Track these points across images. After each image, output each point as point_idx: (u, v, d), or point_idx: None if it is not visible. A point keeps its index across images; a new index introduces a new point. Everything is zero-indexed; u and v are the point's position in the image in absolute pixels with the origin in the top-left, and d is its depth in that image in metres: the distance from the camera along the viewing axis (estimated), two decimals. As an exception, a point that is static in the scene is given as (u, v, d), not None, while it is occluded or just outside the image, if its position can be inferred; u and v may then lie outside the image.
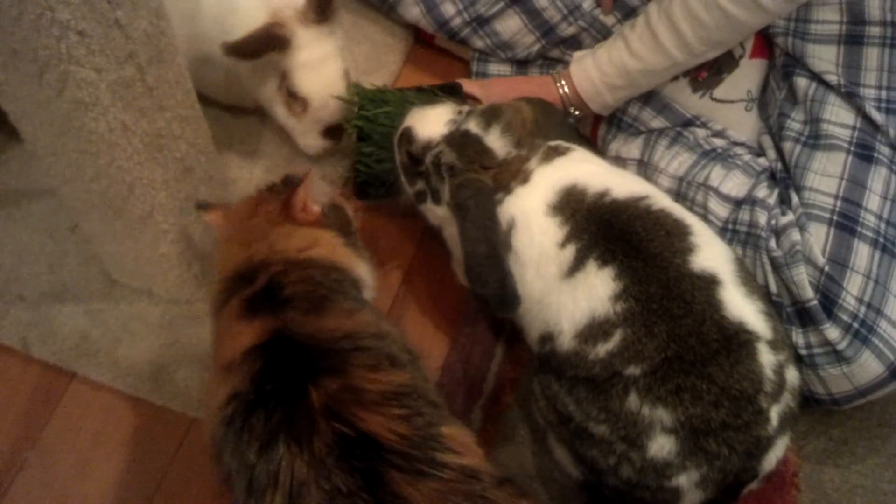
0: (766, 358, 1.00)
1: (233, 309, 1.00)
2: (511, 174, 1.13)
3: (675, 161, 1.32)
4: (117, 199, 1.14)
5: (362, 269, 1.12)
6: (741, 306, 1.02)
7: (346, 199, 1.31)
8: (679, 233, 1.06)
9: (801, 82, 1.29)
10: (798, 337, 1.14)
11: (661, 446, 1.00)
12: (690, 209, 1.25)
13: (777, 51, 1.37)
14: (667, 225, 1.07)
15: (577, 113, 1.36)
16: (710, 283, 1.02)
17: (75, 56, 0.94)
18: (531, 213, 1.11)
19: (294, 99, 1.36)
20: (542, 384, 1.12)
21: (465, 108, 1.20)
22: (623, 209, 1.08)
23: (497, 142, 1.14)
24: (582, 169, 1.14)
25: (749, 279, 1.06)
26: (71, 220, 1.37)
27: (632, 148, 1.37)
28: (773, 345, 1.02)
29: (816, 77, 1.28)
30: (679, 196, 1.29)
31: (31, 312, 1.32)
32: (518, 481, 0.99)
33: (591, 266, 1.05)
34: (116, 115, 1.03)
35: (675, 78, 1.36)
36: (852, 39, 1.28)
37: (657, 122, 1.37)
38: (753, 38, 1.38)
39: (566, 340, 1.06)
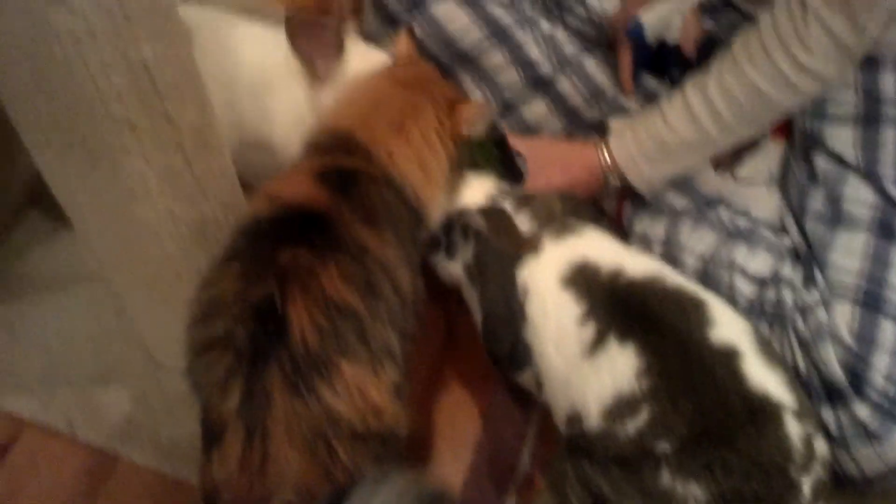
0: (793, 428, 1.01)
1: (312, 161, 1.08)
2: (525, 248, 1.19)
3: (701, 241, 1.35)
4: (163, 285, 1.19)
5: (440, 208, 1.16)
6: (763, 377, 1.04)
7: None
8: (695, 307, 1.09)
9: (821, 161, 1.33)
10: (828, 416, 1.15)
11: (696, 522, 1.01)
12: (717, 289, 1.27)
13: (796, 131, 1.41)
14: (682, 300, 1.10)
15: (616, 182, 1.40)
16: (730, 355, 1.04)
17: (127, 147, 1.00)
18: (543, 284, 1.16)
19: None
20: (575, 467, 1.12)
21: (506, 186, 1.27)
22: (639, 287, 1.12)
23: (524, 223, 1.21)
24: (592, 246, 1.19)
25: (769, 349, 1.08)
26: (117, 304, 1.42)
27: (656, 228, 1.41)
28: (799, 414, 1.03)
29: (835, 156, 1.31)
30: (705, 276, 1.31)
31: (78, 395, 1.35)
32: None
33: (612, 343, 1.08)
34: (165, 204, 1.08)
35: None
36: (869, 119, 1.31)
37: (681, 202, 1.41)
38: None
39: (594, 420, 1.08)
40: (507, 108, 1.53)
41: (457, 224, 1.23)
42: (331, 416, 0.88)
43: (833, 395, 1.15)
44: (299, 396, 0.87)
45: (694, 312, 1.09)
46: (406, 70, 1.19)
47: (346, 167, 1.07)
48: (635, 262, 1.16)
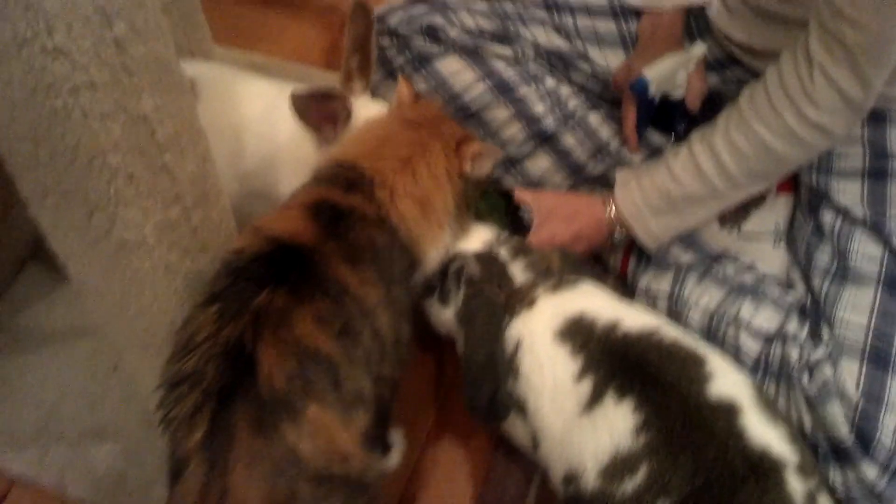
0: (796, 485, 0.98)
1: (310, 194, 1.08)
2: (518, 299, 1.17)
3: (706, 296, 1.33)
4: (158, 339, 1.16)
5: (438, 251, 1.15)
6: (764, 432, 1.01)
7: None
8: (694, 362, 1.07)
9: (828, 216, 1.31)
10: (835, 475, 1.12)
11: (699, 581, 0.98)
12: (722, 345, 1.26)
13: (802, 186, 1.40)
14: (680, 355, 1.08)
15: (621, 235, 1.38)
16: (729, 410, 1.02)
17: (124, 198, 0.98)
18: (537, 337, 1.13)
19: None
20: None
21: (504, 235, 1.26)
22: (635, 341, 1.09)
23: (519, 272, 1.20)
24: (589, 300, 1.17)
25: (769, 405, 1.05)
26: (113, 359, 1.40)
27: (661, 283, 1.39)
28: (802, 470, 1.00)
29: (842, 211, 1.30)
30: (710, 331, 1.29)
31: (71, 451, 1.33)
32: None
33: (610, 399, 1.05)
34: (161, 255, 1.07)
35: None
36: (876, 173, 1.30)
37: (686, 257, 1.39)
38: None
39: (591, 479, 1.05)
40: (512, 162, 1.52)
41: (451, 269, 1.21)
42: (294, 458, 0.89)
43: (840, 454, 1.12)
44: (262, 435, 0.88)
45: (693, 367, 1.06)
46: (414, 110, 1.19)
47: (340, 204, 1.06)
48: (632, 316, 1.14)
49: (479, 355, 1.13)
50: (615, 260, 1.49)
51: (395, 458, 1.33)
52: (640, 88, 1.42)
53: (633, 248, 1.45)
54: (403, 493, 1.35)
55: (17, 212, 1.32)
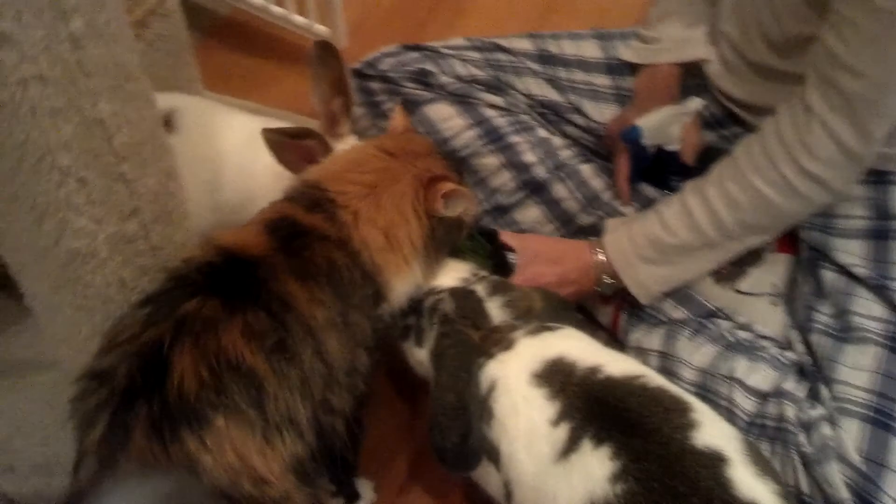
0: None
1: (274, 207, 1.07)
2: (494, 341, 1.10)
3: (698, 353, 1.26)
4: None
5: (405, 286, 1.10)
6: (753, 486, 0.92)
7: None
8: (678, 409, 0.99)
9: (828, 275, 1.25)
10: None
11: None
12: (715, 403, 1.18)
13: (802, 245, 1.34)
14: (664, 401, 1.00)
15: (610, 282, 1.32)
16: (715, 460, 0.93)
17: (74, 204, 0.94)
18: (513, 378, 1.06)
19: None
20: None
21: (482, 273, 1.20)
22: (617, 386, 1.02)
23: (496, 310, 1.13)
24: (570, 344, 1.10)
25: (760, 459, 0.97)
26: (70, 391, 1.35)
27: (653, 339, 1.32)
28: None
29: (844, 270, 1.24)
30: (703, 389, 1.22)
31: (20, 485, 1.27)
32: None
33: (586, 445, 0.97)
34: (114, 270, 1.02)
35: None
36: (879, 234, 1.24)
37: (679, 314, 1.32)
38: (778, 233, 1.35)
39: None
40: (500, 211, 1.47)
41: (425, 306, 1.15)
42: (190, 467, 0.87)
43: None
44: (160, 440, 0.87)
45: (677, 413, 0.99)
46: (395, 140, 1.16)
47: (300, 222, 1.03)
48: (616, 362, 1.07)
49: (449, 396, 1.06)
50: (606, 316, 1.42)
51: None
52: (632, 137, 1.38)
53: (623, 304, 1.39)
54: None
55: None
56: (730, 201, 1.19)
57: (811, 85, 1.11)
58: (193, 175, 1.28)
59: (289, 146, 1.20)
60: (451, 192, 1.09)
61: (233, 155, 1.37)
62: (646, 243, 1.27)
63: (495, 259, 1.30)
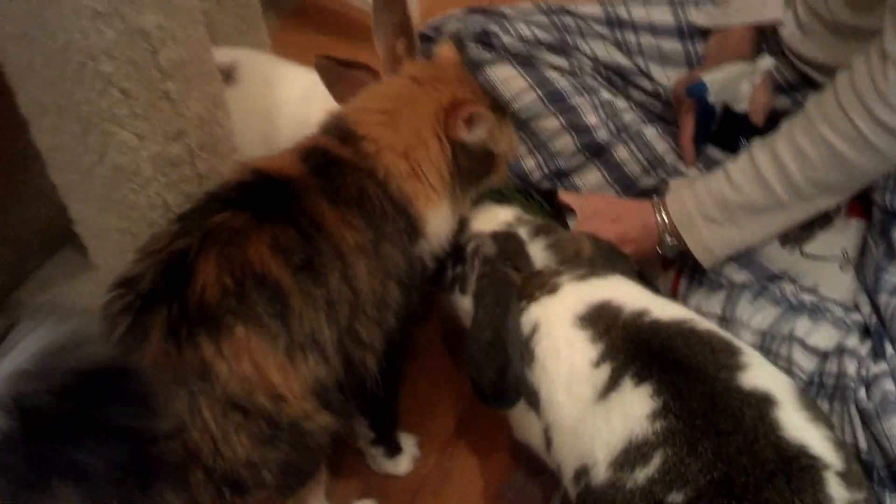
0: (837, 491, 0.83)
1: (310, 139, 1.06)
2: (538, 285, 1.06)
3: (759, 314, 1.19)
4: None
5: (439, 219, 1.07)
6: (803, 429, 0.86)
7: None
8: (727, 351, 0.94)
9: (900, 236, 1.18)
10: (892, 502, 0.95)
11: (713, 590, 0.83)
12: (774, 363, 1.11)
13: (875, 208, 1.26)
14: (711, 343, 0.95)
15: (672, 243, 1.26)
16: (762, 401, 0.88)
17: (117, 116, 0.95)
18: (556, 320, 1.03)
19: None
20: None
21: (528, 217, 1.17)
22: (663, 328, 0.97)
23: (539, 252, 1.11)
24: (618, 289, 1.06)
25: (813, 406, 0.91)
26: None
27: (712, 303, 1.26)
28: (847, 479, 0.85)
29: (917, 230, 1.17)
30: (762, 351, 1.15)
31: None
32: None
33: (627, 384, 0.93)
34: (158, 191, 1.03)
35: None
36: None
37: (741, 277, 1.26)
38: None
39: (601, 471, 0.92)
40: (560, 175, 1.44)
41: (467, 251, 1.12)
42: (204, 372, 0.86)
43: None
44: (175, 342, 0.87)
45: (725, 355, 0.93)
46: (426, 68, 1.13)
47: (333, 152, 1.02)
48: (664, 307, 1.02)
49: (485, 333, 1.03)
50: (666, 282, 1.37)
51: (404, 464, 1.27)
52: (697, 92, 1.33)
53: (684, 268, 1.33)
54: (411, 502, 1.25)
55: (52, 198, 1.32)
56: (800, 156, 1.13)
57: (889, 31, 1.05)
58: (251, 125, 1.29)
59: (340, 75, 1.19)
60: (472, 115, 1.04)
61: (289, 107, 1.37)
62: (710, 201, 1.21)
63: (554, 220, 1.27)
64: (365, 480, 1.26)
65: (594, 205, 1.30)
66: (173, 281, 0.89)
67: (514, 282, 1.06)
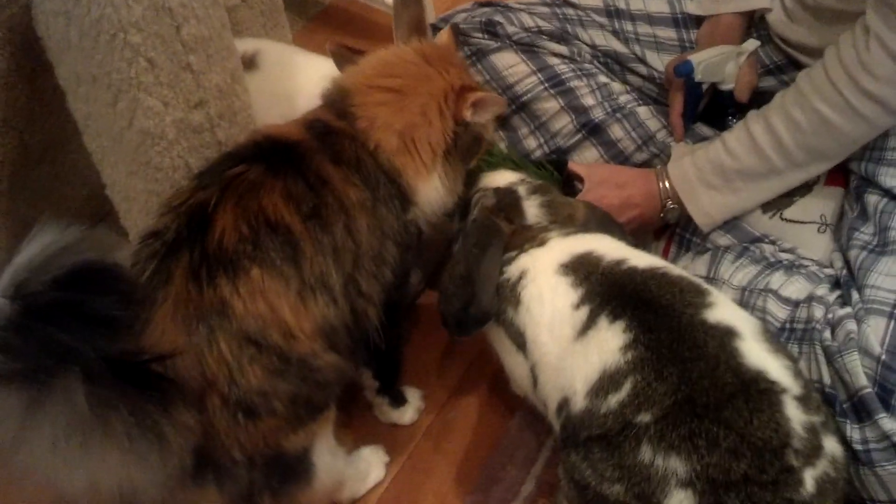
0: (794, 412, 0.92)
1: (312, 111, 1.15)
2: (528, 238, 1.16)
3: (740, 273, 1.28)
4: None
5: (429, 192, 1.15)
6: (762, 358, 0.95)
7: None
8: (695, 291, 1.03)
9: (872, 199, 1.25)
10: (853, 432, 1.03)
11: (679, 503, 0.91)
12: (749, 314, 1.19)
13: (852, 177, 1.34)
14: (682, 284, 1.04)
15: (673, 208, 1.36)
16: (725, 333, 0.97)
17: (144, 83, 1.06)
18: (541, 268, 1.12)
19: None
20: (564, 463, 1.05)
21: (532, 179, 1.27)
22: (638, 273, 1.07)
23: (532, 209, 1.19)
24: (601, 242, 1.15)
25: (774, 340, 1.00)
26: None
27: (698, 265, 1.35)
28: (804, 402, 0.93)
29: (888, 193, 1.24)
30: (740, 304, 1.23)
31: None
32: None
33: (603, 322, 1.03)
34: (180, 154, 1.13)
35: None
36: None
37: (725, 240, 1.35)
38: (829, 167, 1.36)
39: (579, 400, 1.01)
40: (559, 153, 1.53)
41: (472, 203, 1.23)
42: (222, 309, 0.95)
43: (859, 409, 1.03)
44: (196, 282, 0.95)
45: (692, 294, 1.03)
46: (434, 48, 1.22)
47: (331, 124, 1.11)
48: (641, 257, 1.12)
49: (459, 267, 1.13)
50: (657, 249, 1.45)
51: (409, 414, 1.36)
52: (684, 71, 1.42)
53: (674, 236, 1.42)
54: (414, 450, 1.34)
55: (88, 176, 1.43)
56: (792, 125, 1.22)
57: (870, 6, 1.13)
58: (271, 108, 1.39)
59: (352, 61, 1.29)
60: (480, 99, 1.14)
61: (306, 91, 1.47)
62: (709, 168, 1.30)
63: (564, 188, 1.36)
64: (372, 430, 1.35)
65: (601, 174, 1.39)
66: (195, 229, 0.97)
67: (500, 229, 1.16)
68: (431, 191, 1.15)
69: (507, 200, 1.19)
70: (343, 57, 1.28)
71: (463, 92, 1.15)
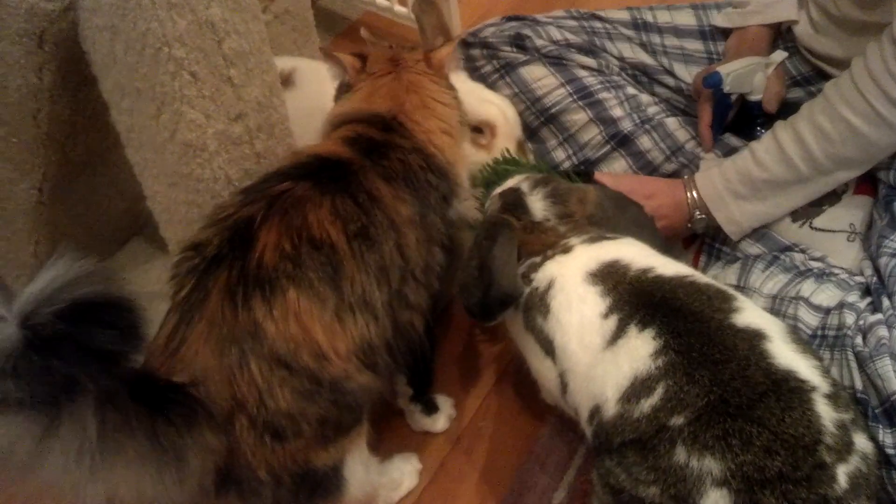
0: (825, 409, 0.93)
1: (341, 131, 1.16)
2: (548, 243, 1.18)
3: (771, 282, 1.29)
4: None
5: (465, 166, 1.23)
6: (791, 358, 0.97)
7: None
8: (722, 297, 1.05)
9: (902, 207, 1.27)
10: (886, 437, 1.04)
11: (715, 502, 0.92)
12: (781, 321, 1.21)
13: (880, 186, 1.35)
14: (709, 291, 1.06)
15: (701, 217, 1.37)
16: (754, 335, 0.98)
17: (187, 96, 1.09)
18: (569, 277, 1.13)
19: (480, 131, 1.51)
20: (598, 469, 1.06)
21: (535, 175, 1.29)
22: (666, 282, 1.08)
23: (536, 203, 1.20)
24: (628, 250, 1.16)
25: (802, 342, 1.01)
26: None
27: (728, 274, 1.36)
28: (834, 400, 0.94)
29: (918, 201, 1.26)
30: (771, 312, 1.25)
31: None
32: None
33: (633, 331, 1.04)
34: (221, 165, 1.16)
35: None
36: None
37: (755, 249, 1.36)
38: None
39: (611, 407, 1.03)
40: (588, 164, 1.55)
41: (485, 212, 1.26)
42: (254, 332, 0.94)
43: (891, 414, 1.04)
44: (232, 303, 0.95)
45: (719, 300, 1.04)
46: (376, 64, 1.28)
47: (376, 138, 1.14)
48: (668, 265, 1.13)
49: (473, 262, 1.15)
50: (687, 258, 1.47)
51: (441, 422, 1.37)
52: (712, 82, 1.43)
53: (703, 245, 1.44)
54: (446, 458, 1.35)
55: (126, 189, 1.46)
56: (820, 134, 1.23)
57: None
58: (307, 123, 1.42)
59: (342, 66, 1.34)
60: (444, 57, 1.25)
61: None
62: (737, 178, 1.32)
63: None
64: (405, 438, 1.37)
65: (628, 184, 1.41)
66: (237, 245, 0.98)
67: (507, 221, 1.18)
68: (463, 162, 1.22)
69: (511, 199, 1.21)
70: (333, 61, 1.32)
71: (431, 62, 1.25)
